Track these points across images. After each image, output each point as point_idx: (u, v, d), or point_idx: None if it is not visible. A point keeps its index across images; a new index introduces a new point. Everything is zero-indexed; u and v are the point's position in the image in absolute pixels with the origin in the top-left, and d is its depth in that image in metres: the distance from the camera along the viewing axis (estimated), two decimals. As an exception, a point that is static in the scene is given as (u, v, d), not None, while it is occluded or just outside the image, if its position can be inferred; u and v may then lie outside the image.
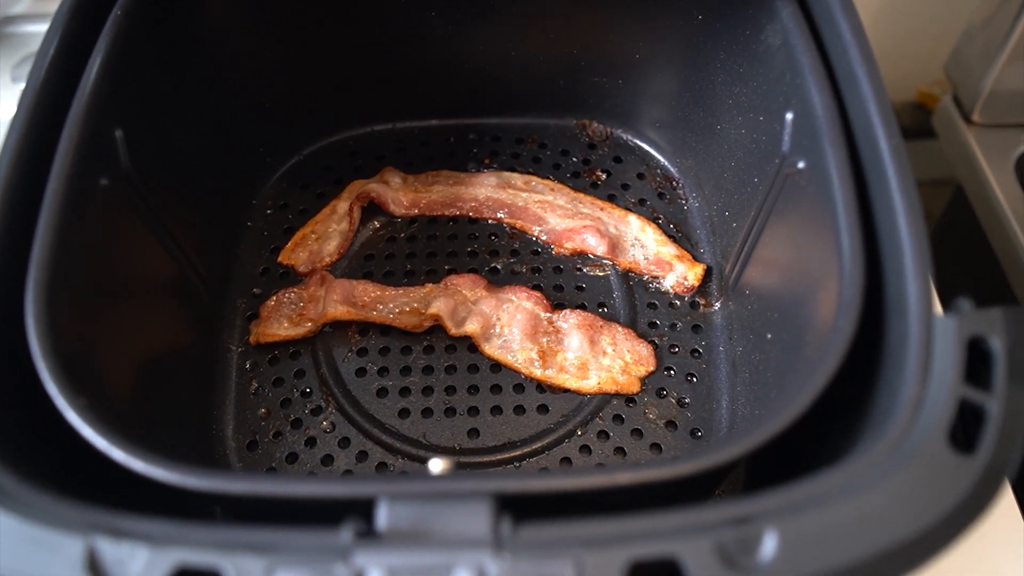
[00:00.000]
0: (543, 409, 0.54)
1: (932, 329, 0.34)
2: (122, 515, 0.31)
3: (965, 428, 0.32)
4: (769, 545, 0.29)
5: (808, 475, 0.34)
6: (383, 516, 0.31)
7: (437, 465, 0.34)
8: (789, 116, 0.45)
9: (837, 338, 0.36)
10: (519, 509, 0.32)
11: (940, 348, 0.33)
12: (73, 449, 0.35)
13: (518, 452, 0.52)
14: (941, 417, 0.32)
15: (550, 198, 0.61)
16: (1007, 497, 0.48)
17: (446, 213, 0.61)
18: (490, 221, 0.61)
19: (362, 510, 0.32)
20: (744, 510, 0.30)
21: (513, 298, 0.56)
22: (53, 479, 0.35)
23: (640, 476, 0.33)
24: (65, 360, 0.36)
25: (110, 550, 0.30)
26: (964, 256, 0.75)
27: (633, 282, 0.59)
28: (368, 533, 0.31)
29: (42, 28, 0.76)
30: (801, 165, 0.44)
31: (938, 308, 0.52)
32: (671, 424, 0.53)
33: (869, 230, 0.39)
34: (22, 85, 0.71)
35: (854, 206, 0.38)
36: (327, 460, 0.52)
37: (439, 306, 0.54)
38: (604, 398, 0.54)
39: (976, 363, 0.33)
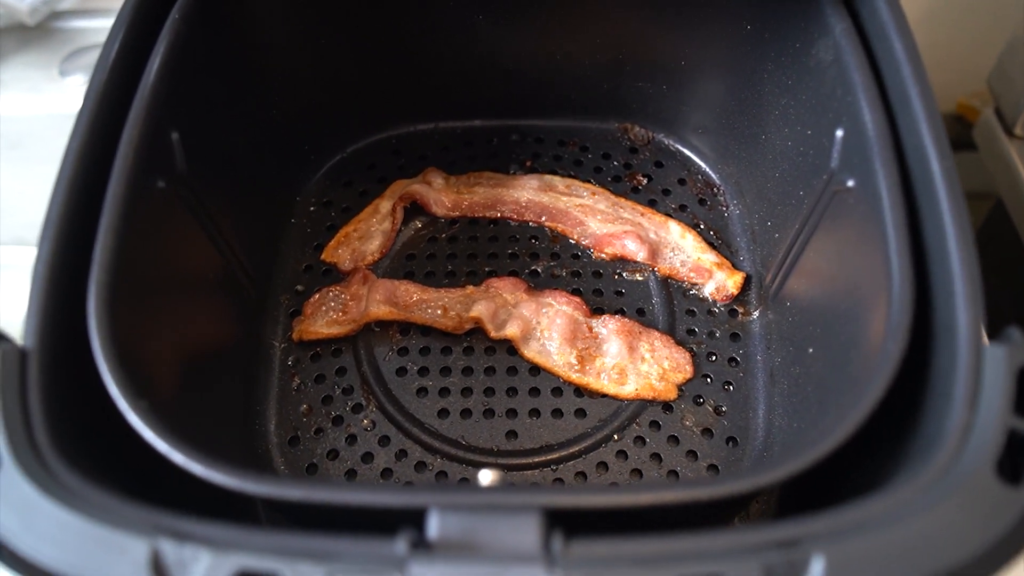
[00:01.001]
0: (580, 413, 0.54)
1: (982, 358, 0.34)
2: (184, 517, 0.32)
3: (1012, 459, 0.32)
4: (816, 569, 0.30)
5: (850, 497, 0.35)
6: (434, 526, 0.32)
7: (487, 477, 0.35)
8: (839, 133, 0.45)
9: (885, 361, 0.36)
10: (565, 522, 0.32)
11: (989, 377, 0.33)
12: (128, 445, 0.36)
13: (555, 455, 0.53)
14: (989, 447, 0.32)
15: (591, 202, 0.62)
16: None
17: (487, 215, 0.62)
18: (531, 224, 0.62)
19: (412, 519, 0.33)
20: (791, 533, 0.31)
21: (553, 302, 0.57)
22: (111, 475, 0.36)
23: (689, 495, 0.33)
24: (125, 362, 0.37)
25: (173, 552, 0.31)
26: (1003, 270, 0.74)
27: (672, 288, 0.59)
28: (420, 543, 0.32)
29: (89, 24, 0.77)
30: (851, 184, 0.44)
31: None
32: (707, 432, 0.53)
33: (918, 251, 0.39)
34: (70, 79, 0.73)
35: (905, 230, 0.38)
36: (367, 458, 0.53)
37: (480, 309, 0.55)
38: (641, 404, 0.54)
39: (1025, 394, 0.33)
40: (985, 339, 0.35)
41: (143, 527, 0.32)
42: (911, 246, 0.38)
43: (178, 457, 0.34)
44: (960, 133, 0.89)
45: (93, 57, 0.74)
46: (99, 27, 0.78)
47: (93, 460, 0.36)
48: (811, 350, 0.48)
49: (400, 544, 0.31)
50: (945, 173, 0.37)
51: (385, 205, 0.61)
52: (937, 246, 0.37)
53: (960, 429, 0.33)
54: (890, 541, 0.31)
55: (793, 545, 0.30)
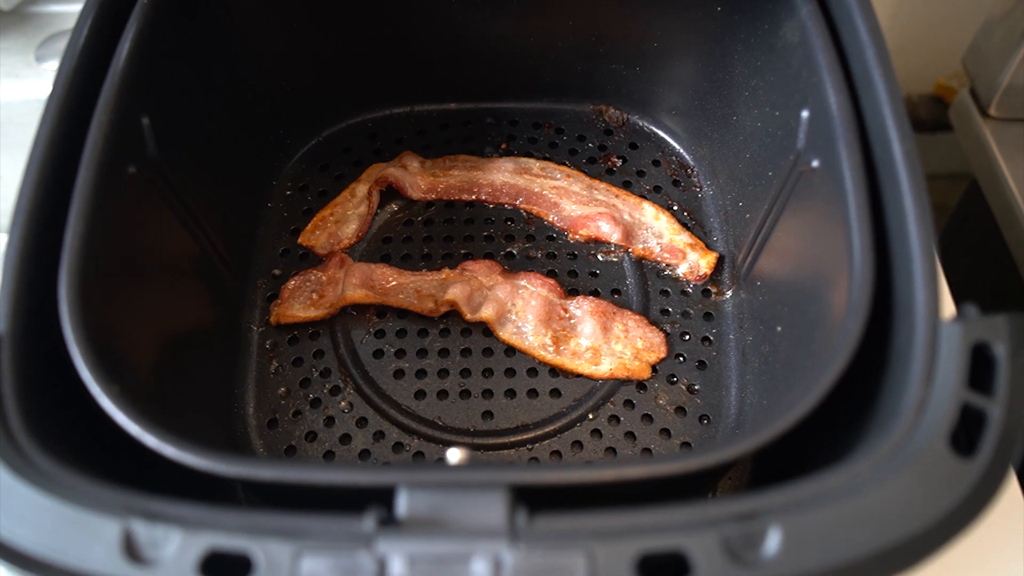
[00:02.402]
0: (556, 393, 0.55)
1: (938, 334, 0.34)
2: (155, 498, 0.32)
3: (967, 432, 0.33)
4: (773, 541, 0.31)
5: (813, 472, 0.36)
6: (403, 504, 0.33)
7: (455, 455, 0.35)
8: (805, 114, 0.46)
9: (845, 339, 0.37)
10: (533, 499, 0.33)
11: (945, 353, 0.34)
12: (101, 428, 0.36)
13: (531, 435, 0.53)
14: (943, 420, 0.33)
15: (565, 184, 0.62)
16: (1015, 496, 0.49)
17: (463, 198, 0.62)
18: (506, 206, 0.62)
19: (382, 497, 0.33)
20: (749, 506, 0.32)
21: (528, 285, 0.57)
22: (84, 458, 0.36)
23: (651, 471, 0.34)
24: (97, 347, 0.37)
25: (144, 532, 0.31)
26: (978, 249, 0.75)
27: (646, 269, 0.60)
28: (389, 520, 0.32)
29: (65, 8, 0.77)
30: (815, 164, 0.44)
31: (950, 303, 0.54)
32: (680, 410, 0.54)
33: (880, 232, 0.39)
34: (46, 64, 0.73)
35: (866, 210, 0.39)
36: (345, 439, 0.53)
37: (455, 292, 0.56)
38: (616, 383, 0.55)
39: (980, 368, 0.34)
40: (947, 312, 0.36)
41: (115, 508, 0.32)
42: (873, 226, 0.39)
43: (150, 440, 0.35)
44: (938, 114, 0.90)
45: (69, 42, 0.74)
46: (75, 11, 0.76)
47: (67, 444, 0.36)
48: (779, 328, 0.49)
49: (368, 521, 0.32)
50: (906, 155, 0.38)
51: (361, 189, 0.62)
52: (897, 227, 0.38)
53: (916, 403, 0.34)
54: (846, 513, 0.32)
55: (750, 518, 0.31)
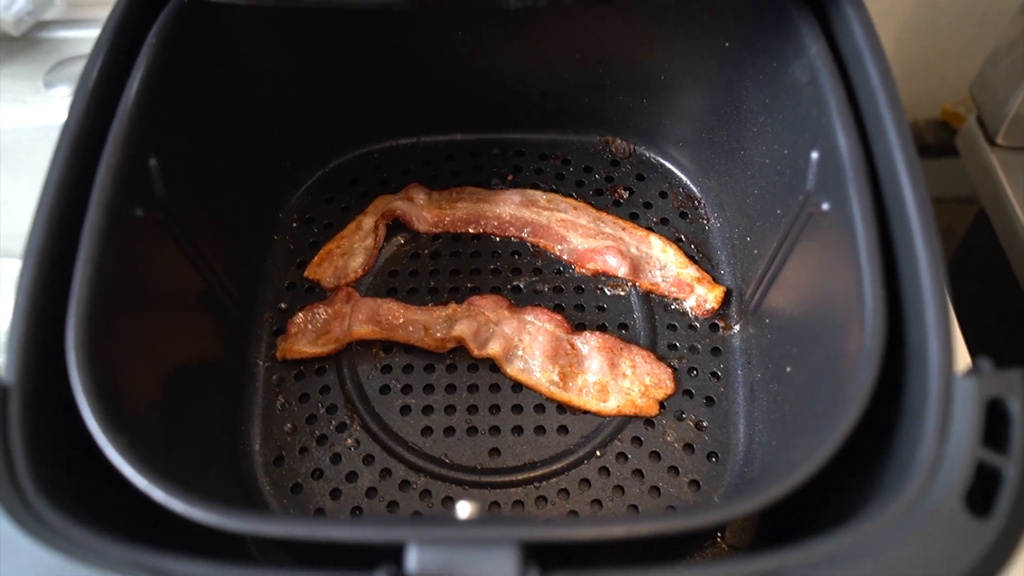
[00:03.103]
0: (563, 430, 0.55)
1: (952, 389, 0.34)
2: (164, 555, 0.32)
3: (982, 490, 0.33)
4: (787, 603, 0.30)
5: (826, 520, 0.36)
6: (413, 560, 0.32)
7: (465, 509, 0.35)
8: (815, 155, 0.46)
9: (856, 390, 0.36)
10: (544, 553, 0.33)
11: (959, 409, 0.34)
12: (107, 476, 0.36)
13: (538, 472, 0.53)
14: (958, 479, 0.33)
15: (572, 217, 0.62)
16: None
17: (470, 230, 0.62)
18: (513, 239, 0.62)
19: (392, 553, 0.33)
20: (764, 567, 0.31)
21: (534, 320, 0.57)
22: (90, 508, 0.36)
23: (663, 527, 0.34)
24: (105, 395, 0.37)
25: (152, 592, 0.31)
26: (986, 276, 0.75)
27: (653, 303, 0.60)
28: (399, 578, 0.32)
29: (74, 34, 0.77)
30: (825, 207, 0.44)
31: (961, 344, 0.53)
32: (688, 447, 0.54)
33: (892, 278, 0.39)
34: (54, 91, 0.73)
35: (877, 258, 0.38)
36: (351, 477, 0.53)
37: (462, 328, 0.55)
38: (623, 420, 0.55)
39: (994, 425, 0.34)
40: (963, 360, 0.36)
41: (124, 565, 0.32)
42: (884, 275, 0.38)
43: (158, 494, 0.34)
44: (944, 139, 0.90)
45: (78, 68, 0.74)
46: (84, 37, 0.77)
47: (74, 496, 0.36)
48: (789, 369, 0.49)
49: (379, 580, 0.31)
50: (918, 204, 0.38)
51: (367, 222, 0.62)
52: (910, 276, 0.37)
53: (930, 460, 0.33)
54: (862, 574, 0.31)
55: (765, 579, 0.31)
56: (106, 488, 0.37)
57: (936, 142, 0.90)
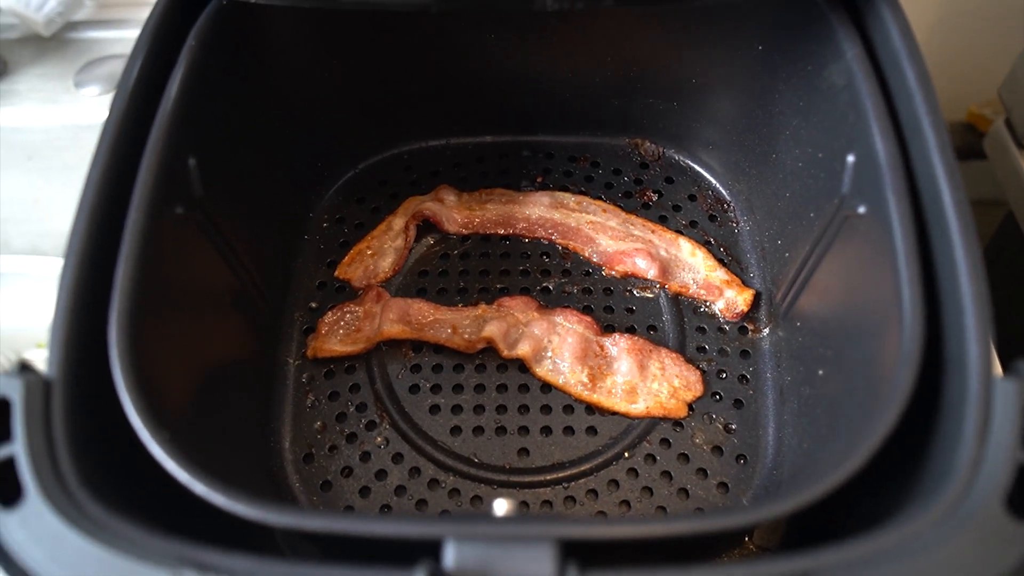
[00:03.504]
0: (592, 431, 0.55)
1: (992, 391, 0.34)
2: (205, 548, 0.33)
3: (1022, 493, 0.33)
4: (827, 604, 0.30)
5: (859, 522, 0.35)
6: (451, 556, 0.33)
7: (502, 506, 0.35)
8: (851, 159, 0.46)
9: (894, 393, 0.36)
10: (581, 550, 0.33)
11: (1000, 411, 0.34)
12: (148, 472, 0.36)
13: (567, 473, 0.53)
14: (999, 481, 0.32)
15: (601, 219, 0.62)
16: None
17: (499, 232, 0.63)
18: (542, 241, 0.62)
19: (430, 549, 0.33)
20: (801, 566, 0.31)
21: (564, 321, 0.57)
22: (130, 500, 0.36)
23: (701, 526, 0.34)
24: (145, 390, 0.38)
25: (195, 584, 0.31)
26: (1013, 280, 0.74)
27: (683, 305, 0.60)
28: (438, 573, 0.32)
29: (104, 35, 0.78)
30: (862, 210, 0.44)
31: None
32: (717, 450, 0.54)
33: (929, 280, 0.39)
34: (84, 90, 0.74)
35: (916, 261, 0.38)
36: (380, 475, 0.53)
37: (492, 329, 0.56)
38: (652, 421, 0.55)
39: (1034, 428, 0.33)
40: (998, 367, 0.36)
41: (166, 558, 0.32)
42: (922, 277, 0.38)
43: (199, 488, 0.35)
44: (971, 142, 0.89)
45: (108, 68, 0.75)
46: (114, 38, 0.78)
47: (116, 489, 0.36)
48: (821, 372, 0.49)
49: (420, 575, 0.32)
50: (957, 207, 0.38)
51: (398, 222, 0.62)
52: (948, 279, 0.37)
53: (970, 463, 0.33)
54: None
55: (805, 579, 0.31)
56: (145, 483, 0.37)
57: (962, 144, 0.89)
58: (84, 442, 0.36)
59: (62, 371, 0.37)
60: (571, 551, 0.33)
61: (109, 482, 0.37)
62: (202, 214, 0.47)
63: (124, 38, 0.78)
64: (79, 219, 0.40)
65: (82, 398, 0.37)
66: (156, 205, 0.42)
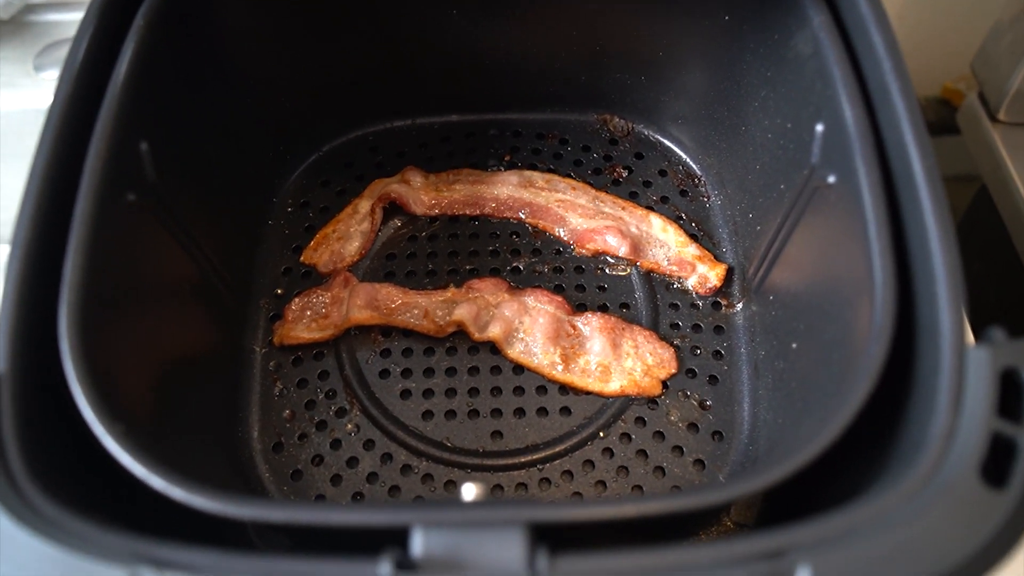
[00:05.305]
0: (566, 411, 0.54)
1: (965, 360, 0.34)
2: (163, 544, 0.31)
3: (996, 462, 0.32)
4: (802, 580, 0.30)
5: (835, 497, 0.35)
6: (418, 544, 0.32)
7: (471, 491, 0.34)
8: (819, 128, 0.45)
9: (867, 365, 0.36)
10: (551, 533, 0.32)
11: (973, 380, 0.33)
12: (104, 466, 0.35)
13: (541, 455, 0.52)
14: (973, 451, 0.32)
15: (571, 197, 0.61)
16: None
17: (467, 212, 0.61)
18: (512, 220, 0.61)
19: (397, 537, 0.32)
20: (777, 543, 0.31)
21: (535, 302, 0.56)
22: (86, 498, 0.35)
23: (674, 505, 0.33)
24: (99, 383, 0.36)
25: (153, 581, 0.30)
26: (988, 255, 0.74)
27: (655, 282, 0.59)
28: (404, 563, 0.31)
29: (63, 17, 0.76)
30: (831, 180, 0.43)
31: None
32: (693, 426, 0.53)
33: (900, 249, 0.38)
34: (44, 74, 0.71)
35: (887, 230, 0.38)
36: (352, 462, 0.52)
37: (462, 312, 0.55)
38: (626, 400, 0.54)
39: (1008, 395, 0.33)
40: (970, 337, 0.35)
41: (122, 555, 0.31)
42: (893, 247, 0.38)
43: (157, 482, 0.34)
44: (945, 117, 0.89)
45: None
46: (74, 20, 0.75)
47: (70, 486, 0.35)
48: (794, 345, 0.48)
49: (384, 565, 0.31)
50: (927, 173, 0.37)
51: (364, 205, 0.61)
52: (919, 247, 0.37)
53: (944, 433, 0.33)
54: (876, 549, 0.31)
55: (779, 555, 0.30)
56: (101, 479, 0.36)
57: (936, 120, 0.89)
58: (35, 438, 0.35)
59: (10, 364, 0.35)
60: (543, 535, 0.32)
61: (64, 479, 0.35)
62: (156, 201, 0.45)
63: (84, 21, 0.76)
64: (25, 207, 0.39)
65: (33, 393, 0.36)
66: (106, 192, 0.40)
